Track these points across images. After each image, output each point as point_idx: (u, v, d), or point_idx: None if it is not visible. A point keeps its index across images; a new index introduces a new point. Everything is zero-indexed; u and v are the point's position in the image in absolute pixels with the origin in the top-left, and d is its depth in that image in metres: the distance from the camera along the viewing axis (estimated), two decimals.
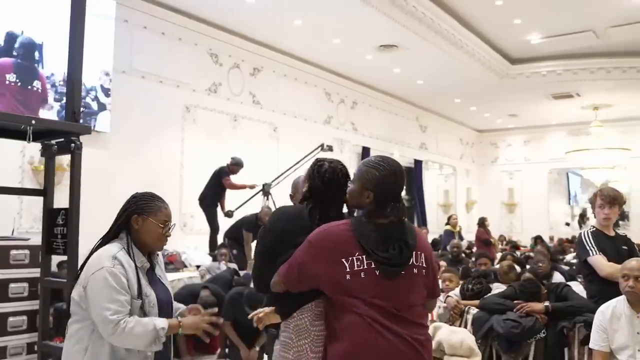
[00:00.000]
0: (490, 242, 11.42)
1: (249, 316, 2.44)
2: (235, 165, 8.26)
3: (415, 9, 9.18)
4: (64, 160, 5.75)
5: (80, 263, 2.49)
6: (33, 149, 6.77)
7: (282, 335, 2.37)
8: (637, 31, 10.32)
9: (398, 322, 2.13)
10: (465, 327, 4.22)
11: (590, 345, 3.47)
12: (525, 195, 17.96)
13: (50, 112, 4.86)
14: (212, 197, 8.23)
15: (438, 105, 15.34)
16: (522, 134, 18.31)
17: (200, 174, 8.40)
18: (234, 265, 7.10)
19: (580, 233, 4.06)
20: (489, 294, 4.47)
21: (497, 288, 4.67)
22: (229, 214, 8.20)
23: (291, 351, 2.30)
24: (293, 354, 2.30)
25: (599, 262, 3.81)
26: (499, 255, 9.94)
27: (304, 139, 10.42)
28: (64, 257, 3.49)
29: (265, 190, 8.32)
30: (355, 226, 2.19)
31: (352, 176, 2.41)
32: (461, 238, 10.47)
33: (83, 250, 2.82)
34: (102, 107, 7.43)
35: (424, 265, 2.25)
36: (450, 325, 4.13)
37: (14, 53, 4.40)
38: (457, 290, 4.66)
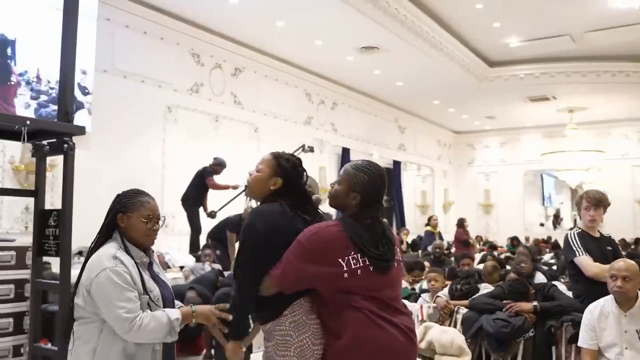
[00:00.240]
0: (469, 242, 11.57)
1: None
2: (218, 166, 8.23)
3: (397, 11, 9.25)
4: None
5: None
6: (14, 149, 6.68)
7: (276, 336, 2.33)
8: (612, 36, 10.55)
9: (392, 312, 2.29)
10: (455, 326, 4.27)
11: (579, 343, 3.55)
12: (501, 197, 18.22)
13: (27, 111, 4.78)
14: (195, 197, 8.19)
15: (417, 106, 15.48)
16: (498, 136, 18.57)
17: (182, 174, 8.36)
18: (218, 266, 7.07)
19: (567, 234, 4.15)
20: (478, 294, 4.53)
21: (485, 288, 4.74)
22: (212, 215, 8.17)
23: (292, 348, 2.27)
24: (294, 350, 2.27)
25: (585, 262, 3.91)
26: (477, 255, 10.08)
27: (284, 140, 10.39)
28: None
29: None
30: (346, 226, 2.29)
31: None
32: (441, 239, 10.58)
33: None
34: (79, 105, 7.33)
35: (400, 258, 2.45)
36: (440, 325, 4.17)
37: None
38: (445, 291, 4.71)
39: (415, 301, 4.96)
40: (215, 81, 9.88)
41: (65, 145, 3.27)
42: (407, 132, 16.31)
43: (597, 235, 4.13)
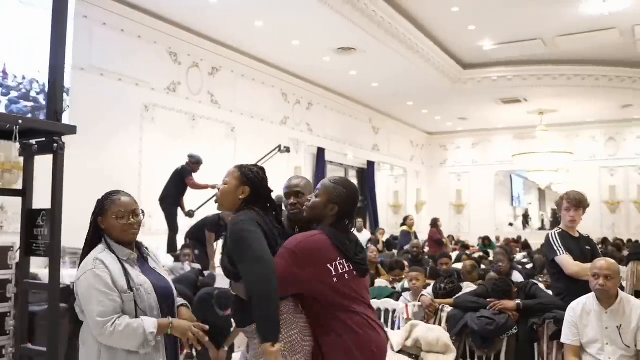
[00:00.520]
0: (442, 242, 11.72)
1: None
2: (196, 164, 8.17)
3: (374, 12, 9.33)
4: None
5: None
6: None
7: None
8: (582, 41, 10.81)
9: (373, 312, 2.59)
10: (440, 324, 4.35)
11: (562, 339, 3.66)
12: (473, 197, 18.49)
13: None
14: (175, 196, 8.10)
15: (391, 107, 15.62)
16: (470, 137, 18.84)
17: (159, 174, 8.27)
18: (197, 266, 7.04)
19: (548, 234, 4.27)
20: (461, 293, 4.62)
21: (468, 287, 4.84)
22: (190, 214, 8.11)
23: (282, 343, 2.31)
24: (284, 346, 2.34)
25: (566, 261, 4.04)
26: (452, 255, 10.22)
27: (260, 140, 10.45)
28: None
29: None
30: (330, 235, 2.51)
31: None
32: (417, 238, 10.68)
33: None
34: None
35: None
36: (426, 323, 4.25)
37: None
38: (430, 289, 4.79)
39: (397, 300, 5.03)
40: (193, 80, 9.82)
41: (55, 145, 3.25)
42: (381, 133, 16.43)
43: (577, 235, 4.26)
